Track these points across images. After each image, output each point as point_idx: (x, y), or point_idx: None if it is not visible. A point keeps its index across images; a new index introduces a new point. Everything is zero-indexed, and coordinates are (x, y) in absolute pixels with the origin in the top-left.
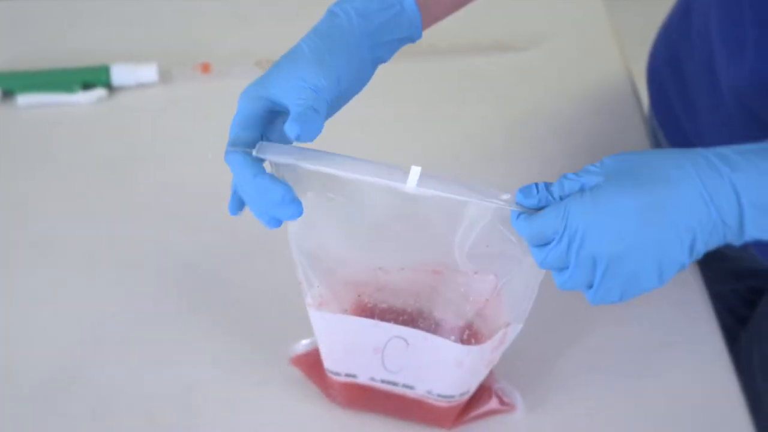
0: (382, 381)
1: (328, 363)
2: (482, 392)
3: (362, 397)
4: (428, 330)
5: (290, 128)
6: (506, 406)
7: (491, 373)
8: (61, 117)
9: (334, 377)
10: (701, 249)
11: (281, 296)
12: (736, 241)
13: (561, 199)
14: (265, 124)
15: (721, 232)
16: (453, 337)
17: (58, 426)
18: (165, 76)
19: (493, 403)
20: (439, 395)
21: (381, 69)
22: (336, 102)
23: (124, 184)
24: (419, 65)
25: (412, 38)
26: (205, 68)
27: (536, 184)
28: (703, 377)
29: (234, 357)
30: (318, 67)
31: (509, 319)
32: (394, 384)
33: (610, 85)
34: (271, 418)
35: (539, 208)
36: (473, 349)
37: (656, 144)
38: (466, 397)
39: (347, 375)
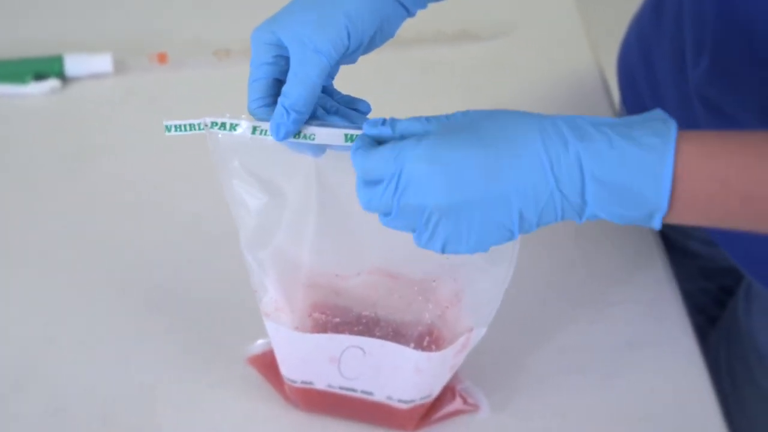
0: (340, 387)
1: (284, 370)
2: (446, 393)
3: (321, 402)
4: (386, 337)
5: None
6: (470, 406)
7: (455, 373)
8: (12, 109)
9: (291, 384)
10: (533, 219)
11: (239, 294)
12: (577, 218)
13: (402, 139)
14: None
15: (558, 204)
16: (411, 345)
17: (9, 426)
18: (120, 67)
19: (457, 404)
20: (399, 400)
21: None
22: (351, 55)
23: (78, 178)
24: (382, 55)
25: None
26: (162, 58)
27: (384, 118)
28: (675, 377)
29: (191, 356)
30: (318, 27)
31: (472, 323)
32: (353, 390)
33: (580, 77)
34: (228, 419)
35: (381, 143)
36: (433, 355)
37: None
38: (428, 401)
39: (303, 382)
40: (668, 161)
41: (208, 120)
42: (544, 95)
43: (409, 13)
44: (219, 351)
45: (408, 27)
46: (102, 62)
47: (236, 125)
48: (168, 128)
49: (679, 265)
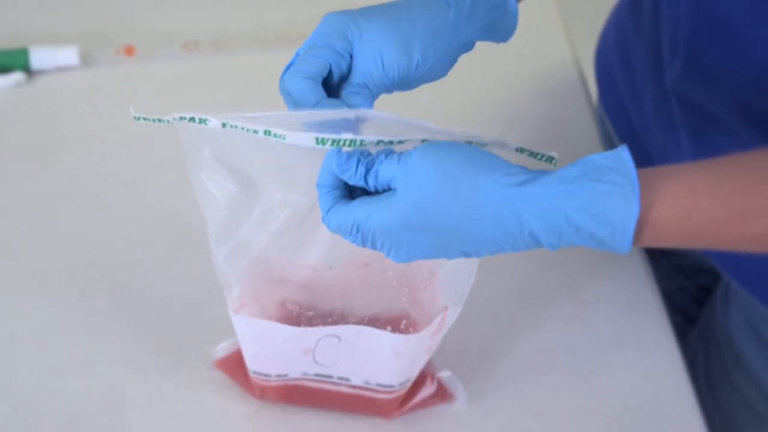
0: (316, 375)
1: (255, 366)
2: (423, 379)
3: (297, 394)
4: (361, 324)
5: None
6: (447, 394)
7: (432, 364)
8: None
9: (264, 380)
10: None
11: (208, 293)
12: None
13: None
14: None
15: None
16: (388, 328)
17: None
18: (86, 60)
19: (433, 387)
20: (378, 384)
21: None
22: (407, 81)
23: (43, 174)
24: None
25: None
26: (129, 51)
27: (358, 158)
28: (654, 376)
29: (159, 356)
30: (399, 47)
31: (447, 303)
32: (329, 377)
33: (557, 71)
34: (198, 418)
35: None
36: (410, 337)
37: (604, 132)
38: (407, 386)
39: (278, 375)
40: (630, 229)
41: (177, 115)
42: (520, 90)
43: (466, 50)
44: (188, 350)
45: None
46: (68, 55)
47: (206, 120)
48: (137, 118)
49: (658, 264)
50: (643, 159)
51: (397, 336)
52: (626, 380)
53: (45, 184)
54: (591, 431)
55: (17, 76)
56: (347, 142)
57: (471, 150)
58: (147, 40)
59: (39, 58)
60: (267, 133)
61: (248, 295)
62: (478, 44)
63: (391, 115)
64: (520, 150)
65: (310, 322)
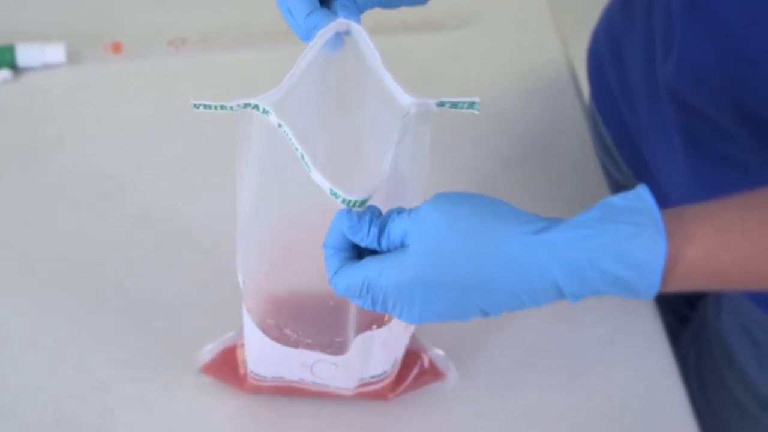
0: (313, 383)
1: (255, 367)
2: (414, 359)
3: (293, 391)
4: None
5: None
6: (439, 373)
7: (421, 343)
8: None
9: (260, 381)
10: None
11: (194, 292)
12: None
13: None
14: None
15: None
16: (374, 326)
17: None
18: (73, 57)
19: (425, 363)
20: (372, 377)
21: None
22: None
23: (29, 172)
24: None
25: None
26: (116, 48)
27: (370, 222)
28: (646, 376)
29: (146, 356)
30: None
31: None
32: (326, 386)
33: (548, 68)
34: (186, 418)
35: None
36: (392, 324)
37: (596, 131)
38: (397, 366)
39: (273, 378)
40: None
41: (241, 102)
42: (512, 89)
43: None
44: (175, 350)
45: (370, 17)
46: (55, 52)
47: (268, 111)
48: (196, 106)
49: None
50: (636, 158)
51: (383, 329)
52: (618, 380)
53: (31, 182)
54: (580, 431)
55: (3, 74)
56: (358, 203)
57: (483, 199)
58: (134, 38)
59: (25, 55)
60: (302, 156)
61: (252, 303)
62: (472, 44)
63: (371, 44)
64: (441, 104)
65: (308, 346)
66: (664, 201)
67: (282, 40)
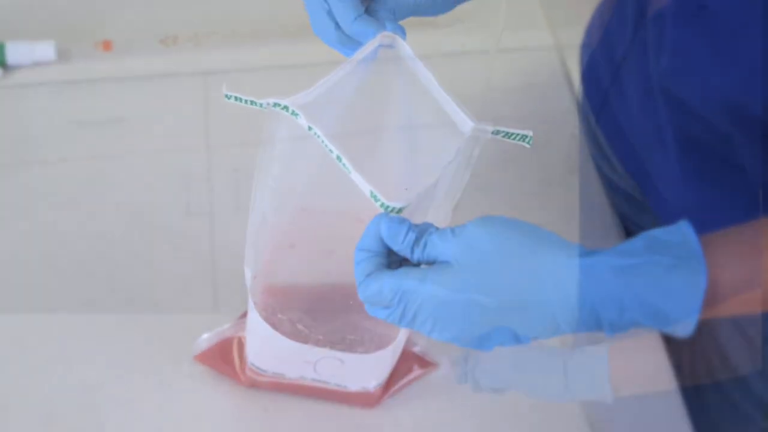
0: (313, 380)
1: (256, 360)
2: (405, 361)
3: (289, 388)
4: (368, 351)
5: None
6: (428, 363)
7: (409, 338)
8: None
9: (260, 375)
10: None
11: (183, 288)
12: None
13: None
14: None
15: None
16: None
17: None
18: (63, 54)
19: (416, 371)
20: (375, 386)
21: (286, 51)
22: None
23: (19, 169)
24: None
25: None
26: (107, 46)
27: (408, 227)
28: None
29: (136, 353)
30: None
31: None
32: (326, 383)
33: (540, 66)
34: (176, 415)
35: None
36: (397, 342)
37: (588, 128)
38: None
39: (275, 374)
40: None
41: (271, 101)
42: (504, 85)
43: None
44: (165, 346)
45: None
46: (45, 50)
47: (297, 114)
48: (228, 97)
49: None
50: (629, 156)
51: (388, 348)
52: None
53: (20, 179)
54: (572, 429)
55: None
56: (396, 210)
57: (528, 224)
58: (125, 35)
59: (15, 52)
60: (339, 158)
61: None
62: (464, 42)
63: (420, 63)
64: (496, 132)
65: (318, 342)
66: (658, 199)
67: (272, 39)
